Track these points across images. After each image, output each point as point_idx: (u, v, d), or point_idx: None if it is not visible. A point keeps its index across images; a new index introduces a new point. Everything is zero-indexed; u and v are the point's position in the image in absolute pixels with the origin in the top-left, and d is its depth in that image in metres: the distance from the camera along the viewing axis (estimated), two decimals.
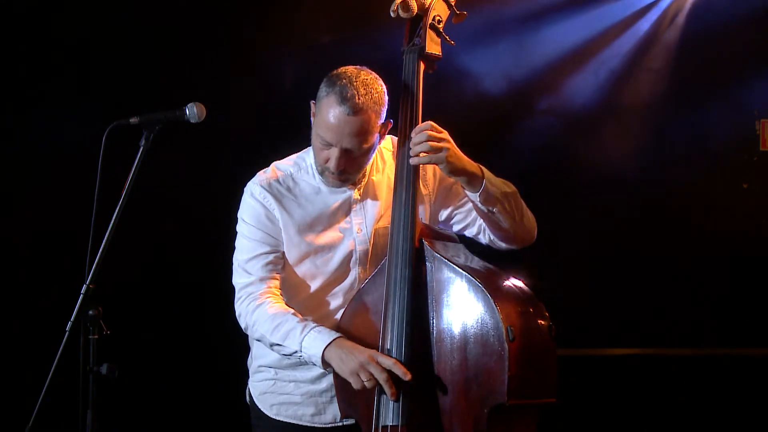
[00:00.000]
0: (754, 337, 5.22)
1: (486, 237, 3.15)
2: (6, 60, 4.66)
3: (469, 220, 3.16)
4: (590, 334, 5.05)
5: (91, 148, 3.04)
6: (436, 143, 2.88)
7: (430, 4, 3.07)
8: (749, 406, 5.05)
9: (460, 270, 2.85)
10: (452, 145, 2.92)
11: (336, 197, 3.09)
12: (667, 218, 5.35)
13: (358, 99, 2.90)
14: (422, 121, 2.99)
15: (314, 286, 3.08)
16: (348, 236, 3.07)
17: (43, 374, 2.82)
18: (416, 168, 2.97)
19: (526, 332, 2.80)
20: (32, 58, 4.69)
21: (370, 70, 3.01)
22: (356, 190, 3.09)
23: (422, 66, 3.04)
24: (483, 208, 2.99)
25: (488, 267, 2.97)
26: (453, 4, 3.12)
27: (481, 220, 3.11)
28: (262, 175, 3.13)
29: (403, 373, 2.78)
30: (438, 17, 3.08)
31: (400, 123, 3.00)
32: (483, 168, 2.98)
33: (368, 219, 3.09)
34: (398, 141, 3.03)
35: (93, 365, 2.77)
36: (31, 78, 4.69)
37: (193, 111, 2.95)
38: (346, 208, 3.09)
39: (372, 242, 3.07)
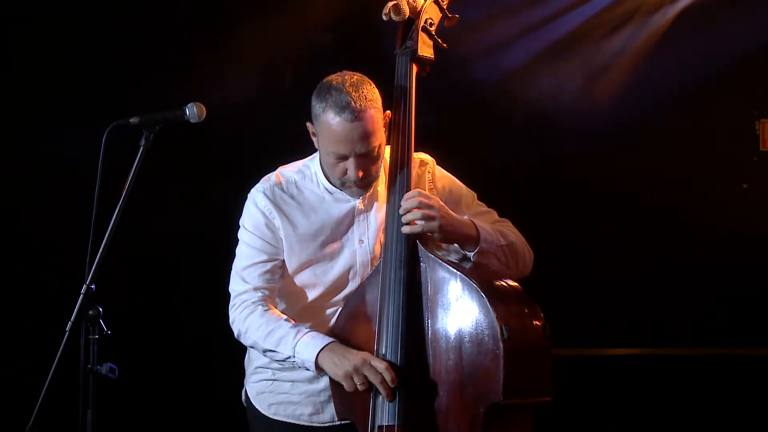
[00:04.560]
0: (754, 337, 5.22)
1: None
2: (6, 60, 4.66)
3: None
4: (590, 334, 5.05)
5: (91, 148, 3.05)
6: (427, 211, 2.86)
7: (422, 7, 3.08)
8: (749, 406, 5.05)
9: (454, 270, 2.85)
10: (444, 211, 2.89)
11: (340, 207, 3.06)
12: (667, 218, 5.34)
13: (355, 103, 2.88)
14: (414, 123, 2.99)
15: (312, 295, 3.07)
16: (349, 247, 3.06)
17: (43, 374, 2.82)
18: (409, 170, 2.96)
19: (521, 331, 2.80)
20: (32, 58, 4.69)
21: (352, 72, 2.98)
22: (360, 200, 3.06)
23: (415, 68, 3.04)
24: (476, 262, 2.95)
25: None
26: (445, 7, 3.12)
27: None
28: (266, 183, 3.10)
29: (391, 380, 2.79)
30: (430, 20, 3.09)
31: (392, 124, 3.00)
32: (477, 225, 2.94)
33: (371, 230, 3.06)
34: (392, 142, 3.01)
35: (93, 365, 2.78)
36: (30, 78, 4.69)
37: (193, 111, 2.96)
38: (350, 219, 3.06)
39: (373, 255, 3.05)
